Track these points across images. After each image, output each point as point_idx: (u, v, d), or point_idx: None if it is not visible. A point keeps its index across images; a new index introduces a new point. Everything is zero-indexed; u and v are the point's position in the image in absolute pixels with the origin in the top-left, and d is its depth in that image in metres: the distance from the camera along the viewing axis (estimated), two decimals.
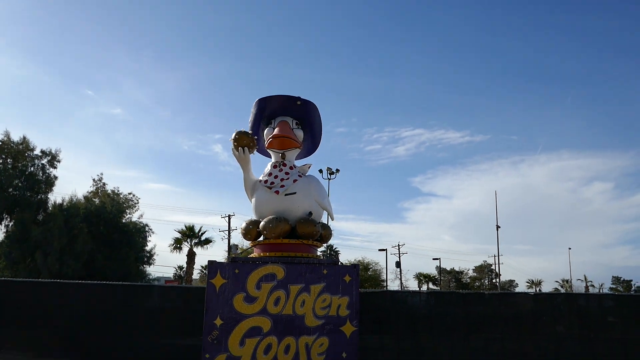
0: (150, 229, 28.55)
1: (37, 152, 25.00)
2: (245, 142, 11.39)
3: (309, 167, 12.34)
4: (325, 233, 11.86)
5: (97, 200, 27.45)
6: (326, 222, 12.34)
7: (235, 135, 11.41)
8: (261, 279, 10.63)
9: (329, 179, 40.33)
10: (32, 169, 24.67)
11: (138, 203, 31.21)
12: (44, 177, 24.73)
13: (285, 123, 11.95)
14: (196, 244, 43.41)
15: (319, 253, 11.80)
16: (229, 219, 56.95)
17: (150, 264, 33.69)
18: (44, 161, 24.89)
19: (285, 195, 11.47)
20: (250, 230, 11.59)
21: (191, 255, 43.56)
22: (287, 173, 11.70)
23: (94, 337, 12.04)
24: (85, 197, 27.22)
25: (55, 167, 25.18)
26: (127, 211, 27.54)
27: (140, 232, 27.21)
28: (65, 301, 12.29)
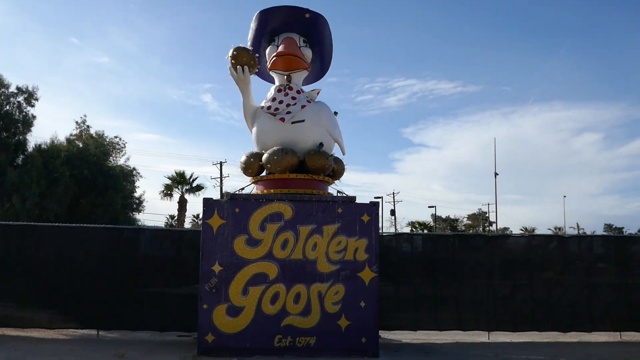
0: (139, 173, 26.85)
1: (12, 89, 22.90)
2: (244, 60, 9.66)
3: (318, 93, 10.69)
4: (337, 168, 10.33)
5: (80, 144, 25.60)
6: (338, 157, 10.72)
7: (233, 51, 9.66)
8: (266, 219, 9.14)
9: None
10: (7, 107, 22.66)
11: (125, 147, 29.34)
12: (20, 116, 22.73)
13: (292, 40, 10.19)
14: (187, 191, 41.84)
15: (330, 191, 10.28)
16: (221, 165, 55.26)
17: (139, 211, 32.23)
18: (20, 99, 22.82)
19: (292, 123, 9.85)
20: (252, 164, 10.01)
21: (182, 203, 42.04)
22: (293, 98, 10.04)
23: (76, 286, 10.60)
24: (68, 140, 25.32)
25: (32, 106, 23.08)
26: (113, 155, 25.78)
27: (127, 177, 25.54)
28: (43, 247, 10.74)
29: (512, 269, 11.47)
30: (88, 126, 27.76)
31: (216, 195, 50.12)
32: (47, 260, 10.70)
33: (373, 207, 9.43)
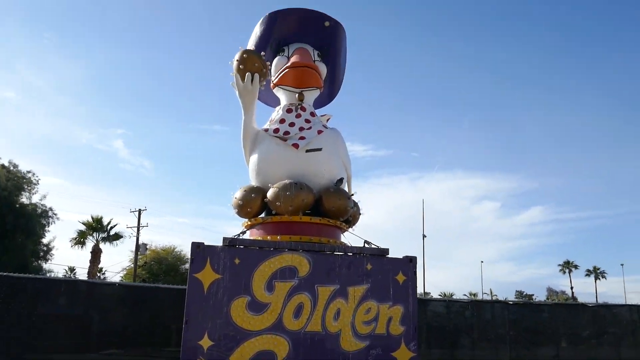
0: (55, 214, 23.06)
1: None
2: (256, 67, 7.50)
3: (328, 120, 8.70)
4: (354, 212, 8.21)
5: None
6: None
7: (243, 54, 7.49)
8: (275, 274, 6.77)
9: None
10: None
11: (38, 184, 25.43)
12: None
13: (306, 51, 8.22)
14: (104, 240, 37.56)
15: (343, 239, 8.10)
16: (139, 213, 50.97)
17: (46, 260, 28.01)
18: None
19: (307, 151, 7.69)
20: (252, 201, 7.64)
21: (96, 253, 37.50)
22: (307, 121, 7.94)
23: None
24: None
25: None
26: (27, 189, 21.89)
27: (41, 217, 21.74)
28: None
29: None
30: None
31: (131, 247, 45.46)
32: None
33: (410, 264, 7.32)
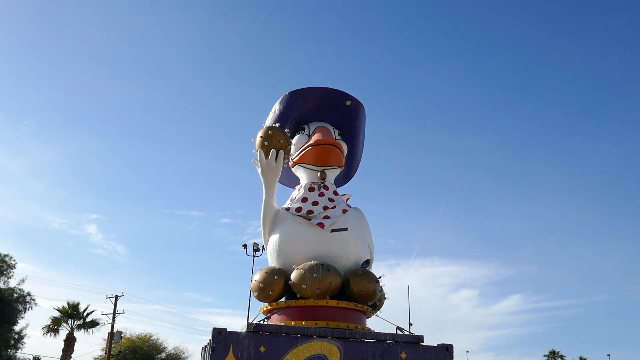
0: (33, 300, 21.80)
1: None
2: (281, 144, 7.35)
3: (348, 200, 8.46)
4: (380, 296, 7.77)
5: None
6: None
7: (268, 130, 7.36)
8: None
9: (254, 256, 35.59)
10: None
11: (15, 268, 24.33)
12: None
13: (327, 130, 8.12)
14: (79, 327, 35.60)
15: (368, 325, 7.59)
16: (116, 300, 48.93)
17: (17, 349, 26.27)
18: None
19: (332, 231, 7.36)
20: (274, 284, 7.18)
21: (70, 341, 35.44)
22: (331, 200, 7.69)
23: None
24: None
25: None
26: (5, 272, 20.76)
27: (18, 302, 20.50)
28: None
29: None
30: None
31: (104, 335, 43.06)
32: None
33: (446, 353, 6.82)
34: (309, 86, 8.21)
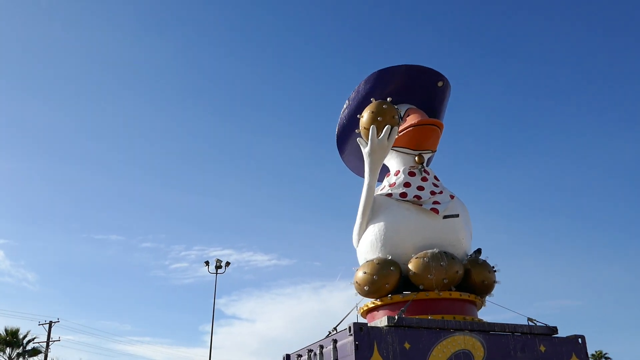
0: None
1: None
2: (394, 119, 6.69)
3: None
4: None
5: None
6: None
7: (382, 104, 6.67)
8: None
9: (217, 273, 33.96)
10: None
11: None
12: None
13: (422, 112, 7.54)
14: (19, 356, 32.44)
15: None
16: (50, 326, 45.15)
17: None
18: None
19: (444, 217, 6.72)
20: (389, 276, 6.39)
21: None
22: (435, 184, 7.05)
23: None
24: None
25: None
26: None
27: None
28: None
29: None
30: None
31: None
32: None
33: (581, 345, 6.30)
34: (402, 64, 7.59)
